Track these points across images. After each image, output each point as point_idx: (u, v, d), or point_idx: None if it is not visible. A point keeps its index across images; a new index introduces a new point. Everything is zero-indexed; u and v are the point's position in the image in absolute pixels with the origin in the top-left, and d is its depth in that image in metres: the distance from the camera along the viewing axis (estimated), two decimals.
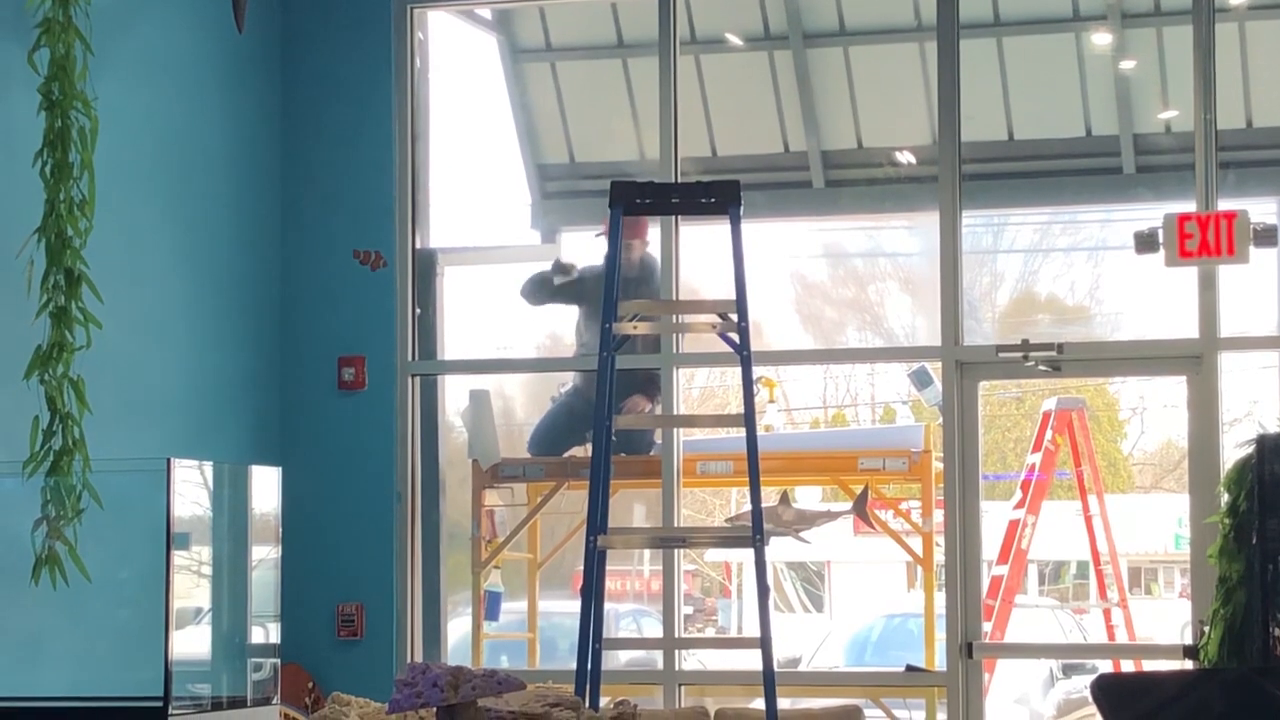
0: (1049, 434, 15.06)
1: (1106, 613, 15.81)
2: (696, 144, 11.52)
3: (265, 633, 9.32)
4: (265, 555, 9.38)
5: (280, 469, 9.56)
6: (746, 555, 15.45)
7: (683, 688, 10.61)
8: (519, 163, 12.26)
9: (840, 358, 19.82)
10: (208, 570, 9.09)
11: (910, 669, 11.05)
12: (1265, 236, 9.83)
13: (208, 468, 9.04)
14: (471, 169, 12.19)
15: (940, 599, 11.05)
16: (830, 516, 12.67)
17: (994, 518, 13.92)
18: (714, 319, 7.99)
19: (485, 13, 12.09)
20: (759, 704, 9.13)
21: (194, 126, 10.23)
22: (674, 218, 10.49)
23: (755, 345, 7.81)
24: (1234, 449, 9.19)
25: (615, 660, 12.15)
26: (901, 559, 15.57)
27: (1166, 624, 18.00)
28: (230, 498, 9.23)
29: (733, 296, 7.77)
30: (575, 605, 8.21)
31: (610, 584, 15.15)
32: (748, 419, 7.68)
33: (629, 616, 18.61)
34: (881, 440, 13.22)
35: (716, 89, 11.74)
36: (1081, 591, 21.59)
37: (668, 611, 10.59)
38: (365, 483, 10.76)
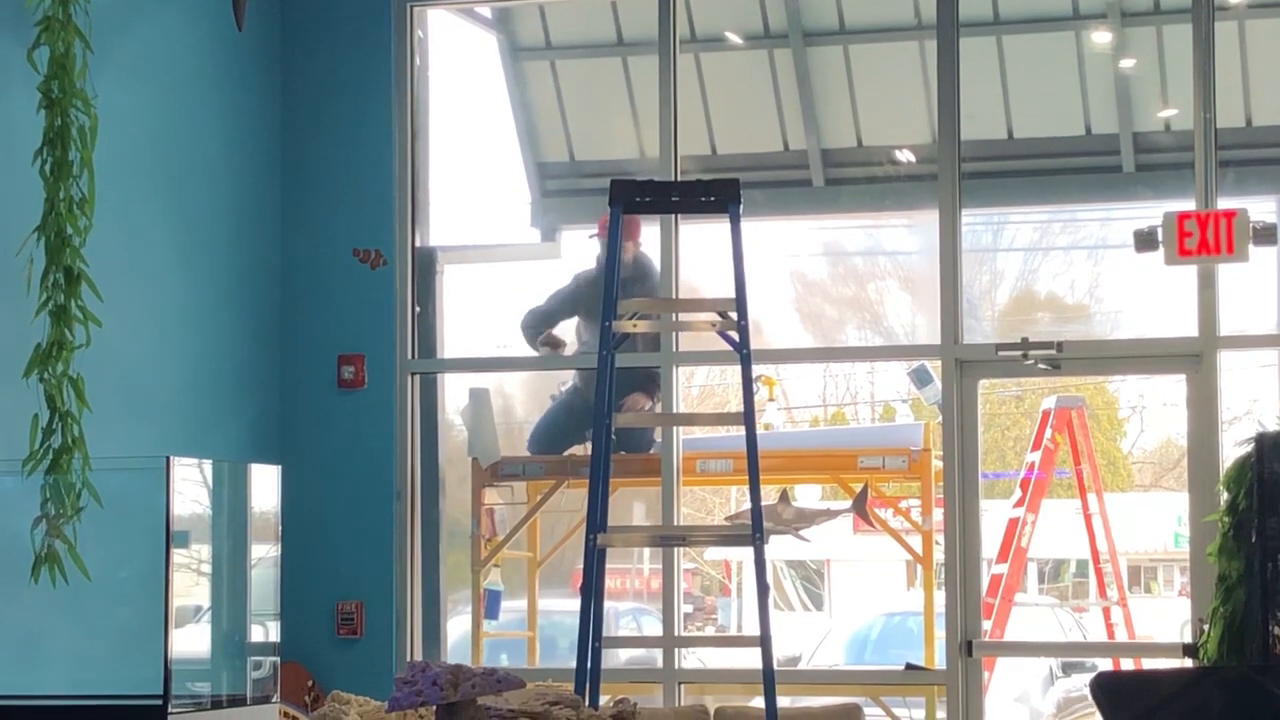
0: (1048, 432, 15.06)
1: (1106, 611, 15.81)
2: (696, 142, 11.52)
3: (265, 631, 9.32)
4: (265, 553, 9.38)
5: (280, 467, 9.56)
6: (746, 553, 15.45)
7: (682, 686, 10.61)
8: (519, 161, 12.26)
9: (840, 356, 19.83)
10: (207, 568, 9.09)
11: (910, 667, 11.05)
12: (1265, 235, 9.84)
13: (207, 466, 9.05)
14: (471, 167, 12.19)
15: (940, 597, 11.05)
16: (830, 515, 12.67)
17: (994, 516, 13.93)
18: (714, 317, 8.00)
19: (485, 11, 12.09)
20: (759, 702, 9.13)
21: (194, 125, 10.23)
22: (674, 216, 10.49)
23: (755, 344, 7.82)
24: (1233, 447, 9.19)
25: (615, 659, 12.15)
26: (901, 557, 15.57)
27: (1166, 622, 17.99)
28: (230, 496, 9.23)
29: (732, 295, 7.77)
30: (575, 603, 8.21)
31: (610, 582, 15.15)
32: (747, 417, 7.68)
33: (629, 615, 18.61)
34: (881, 439, 13.22)
35: (716, 87, 11.74)
36: (1081, 590, 21.60)
37: (667, 610, 10.59)
38: (365, 481, 10.76)
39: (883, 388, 22.72)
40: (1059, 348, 10.25)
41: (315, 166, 10.93)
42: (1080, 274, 15.27)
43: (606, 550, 7.79)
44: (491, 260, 12.53)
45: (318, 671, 10.57)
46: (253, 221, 10.74)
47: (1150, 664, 11.22)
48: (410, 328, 10.92)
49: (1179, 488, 18.52)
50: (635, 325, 8.30)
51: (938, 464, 11.34)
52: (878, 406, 23.05)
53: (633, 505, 13.72)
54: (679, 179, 10.49)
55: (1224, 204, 9.96)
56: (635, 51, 11.70)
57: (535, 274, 12.87)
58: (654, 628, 15.17)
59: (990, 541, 13.33)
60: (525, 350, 12.18)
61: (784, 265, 16.26)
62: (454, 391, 11.44)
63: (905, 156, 11.63)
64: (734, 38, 11.95)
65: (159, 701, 8.19)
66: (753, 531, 7.55)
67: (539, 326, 11.37)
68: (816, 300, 18.87)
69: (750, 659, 8.15)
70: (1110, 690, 6.85)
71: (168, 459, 8.46)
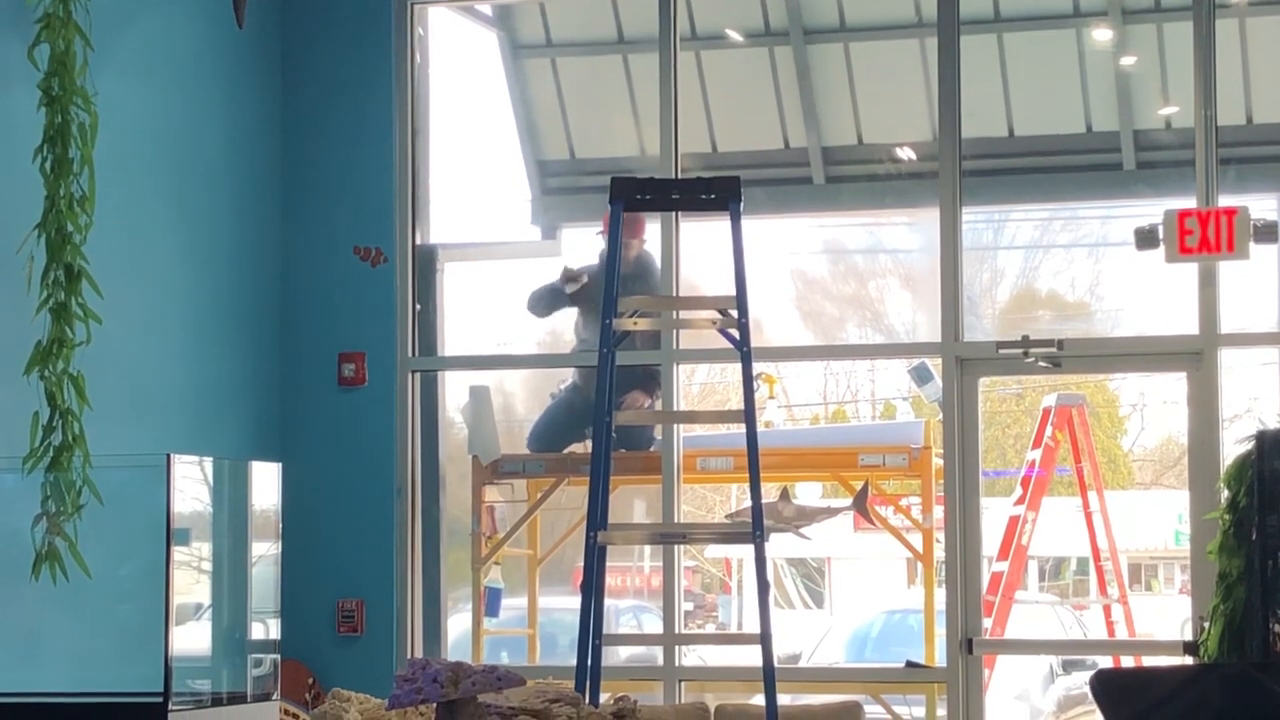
0: (1049, 430, 15.06)
1: (1106, 609, 15.81)
2: (697, 140, 11.52)
3: (265, 629, 9.32)
4: (265, 551, 9.38)
5: (280, 465, 9.56)
6: (747, 551, 15.44)
7: (683, 684, 10.61)
8: (519, 159, 12.26)
9: (840, 354, 19.80)
10: (208, 566, 9.09)
11: (910, 665, 11.05)
12: (1266, 233, 9.83)
13: (208, 463, 9.05)
14: (472, 165, 12.19)
15: (940, 595, 11.05)
16: (830, 512, 12.67)
17: (994, 514, 13.92)
18: (714, 315, 8.00)
19: (485, 9, 12.09)
20: (759, 700, 9.14)
21: (194, 122, 10.23)
22: (674, 214, 10.49)
23: (755, 341, 7.82)
24: (1234, 445, 9.19)
25: (615, 656, 12.14)
26: (902, 555, 15.57)
27: (1166, 620, 17.99)
28: (230, 493, 9.23)
29: (733, 292, 7.77)
30: (575, 601, 8.21)
31: (610, 580, 15.15)
32: (748, 415, 7.69)
33: (629, 612, 18.60)
34: (882, 436, 13.22)
35: (717, 85, 11.74)
36: (1081, 588, 21.59)
37: (668, 607, 10.59)
38: (365, 479, 10.76)
39: (883, 385, 22.72)
40: (1059, 345, 10.25)
41: (316, 164, 10.93)
42: (1081, 272, 15.28)
43: (607, 548, 7.80)
44: (492, 258, 12.53)
45: (318, 669, 10.57)
46: (253, 219, 10.74)
47: (1150, 661, 11.22)
48: (411, 325, 10.92)
49: (1179, 485, 18.51)
50: (636, 323, 8.30)
51: (938, 462, 11.34)
52: (878, 404, 23.05)
53: (633, 503, 13.71)
54: (679, 177, 10.49)
55: (1225, 202, 9.96)
56: (636, 49, 11.70)
57: (536, 272, 12.87)
58: (654, 625, 15.17)
59: (991, 539, 13.33)
60: (525, 348, 12.20)
61: (784, 263, 16.26)
62: (454, 389, 11.44)
63: (906, 154, 11.63)
64: (735, 35, 11.95)
65: (159, 699, 8.19)
66: (753, 529, 7.55)
67: (544, 291, 11.37)
68: (817, 298, 18.87)
69: (751, 657, 8.15)
70: (1110, 688, 6.85)
71: (168, 456, 8.46)
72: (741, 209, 7.92)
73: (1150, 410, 23.93)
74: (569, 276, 11.34)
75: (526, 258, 12.72)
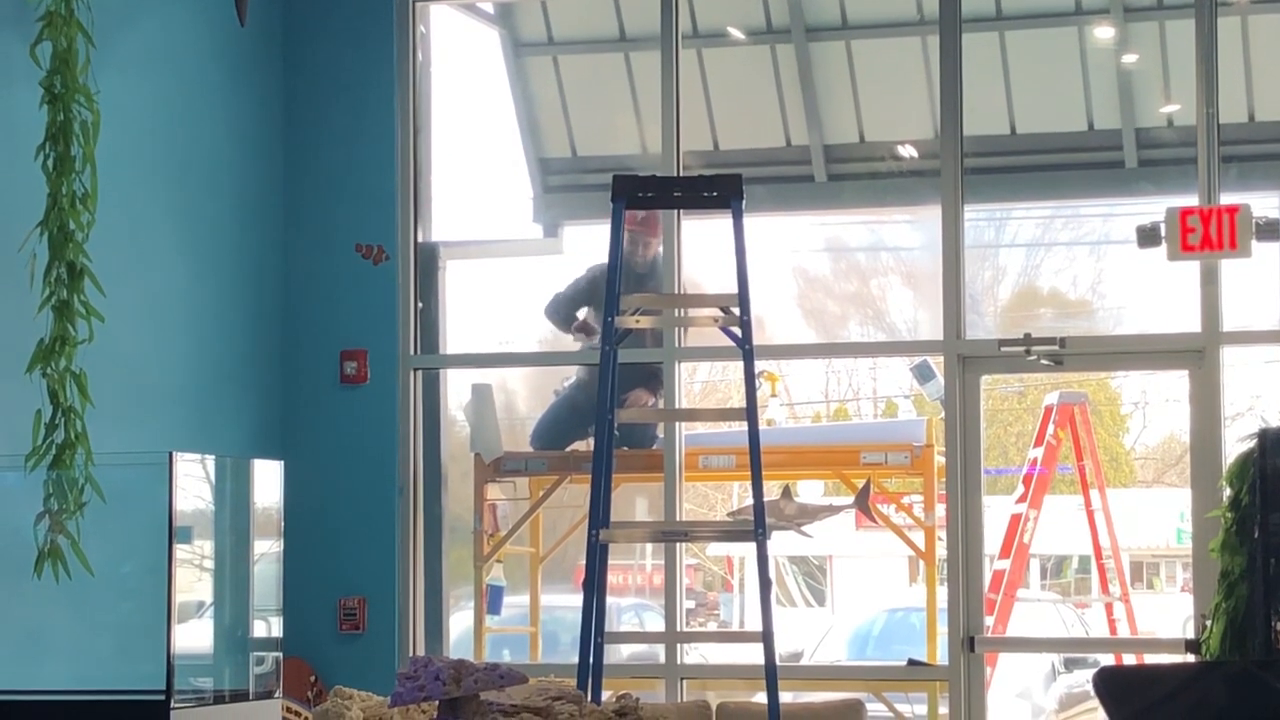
0: (1051, 428, 15.06)
1: (1108, 607, 15.82)
2: (698, 138, 11.51)
3: (267, 626, 9.32)
4: (267, 549, 9.38)
5: (282, 463, 9.57)
6: (748, 549, 15.44)
7: (685, 682, 10.62)
8: (521, 157, 12.26)
9: (842, 352, 19.73)
10: (210, 564, 9.10)
11: (912, 663, 11.06)
12: (1268, 231, 9.83)
13: (210, 461, 9.05)
14: (473, 163, 12.20)
15: (942, 593, 11.05)
16: (832, 511, 12.67)
17: (996, 512, 13.93)
18: (716, 313, 8.00)
19: (487, 6, 12.09)
20: (761, 698, 9.14)
21: (196, 120, 10.23)
22: (676, 212, 10.49)
23: (757, 339, 7.82)
24: (1236, 443, 9.20)
25: (617, 654, 12.15)
26: (903, 553, 15.57)
27: (1168, 618, 17.99)
28: (232, 491, 9.23)
29: (735, 290, 7.77)
30: (577, 599, 8.22)
31: (612, 578, 15.17)
32: (750, 413, 7.68)
33: (631, 610, 18.60)
34: (883, 434, 13.23)
35: (719, 83, 11.74)
36: (1083, 586, 21.58)
37: (670, 605, 10.59)
38: (367, 477, 10.76)
39: (885, 383, 22.72)
40: (1061, 343, 10.25)
41: (317, 162, 10.93)
42: (1083, 270, 15.26)
43: (609, 546, 7.79)
44: (494, 256, 12.53)
45: (320, 667, 10.57)
46: (255, 217, 10.74)
47: (1153, 659, 11.22)
48: (413, 323, 10.92)
49: (1181, 483, 18.49)
50: (638, 321, 8.29)
51: (940, 460, 11.34)
52: (880, 402, 23.04)
53: (635, 501, 13.71)
54: (681, 174, 10.49)
55: (1226, 199, 9.95)
56: (638, 47, 11.70)
57: (537, 269, 12.88)
58: (656, 623, 15.16)
59: (993, 537, 13.33)
60: (527, 346, 12.20)
61: (786, 261, 16.26)
62: (456, 387, 11.44)
63: (908, 152, 11.63)
64: (736, 33, 11.95)
65: (162, 697, 8.20)
66: (755, 527, 7.55)
67: (565, 311, 11.39)
68: (819, 296, 18.86)
69: (753, 654, 8.15)
70: (1113, 685, 6.85)
71: (170, 454, 8.47)
72: (743, 207, 7.92)
73: (1152, 408, 23.91)
74: (581, 329, 11.38)
75: (528, 255, 12.73)
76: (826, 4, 11.95)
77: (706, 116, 11.71)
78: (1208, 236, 9.81)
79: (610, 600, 12.19)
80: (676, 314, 9.68)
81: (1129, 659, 12.02)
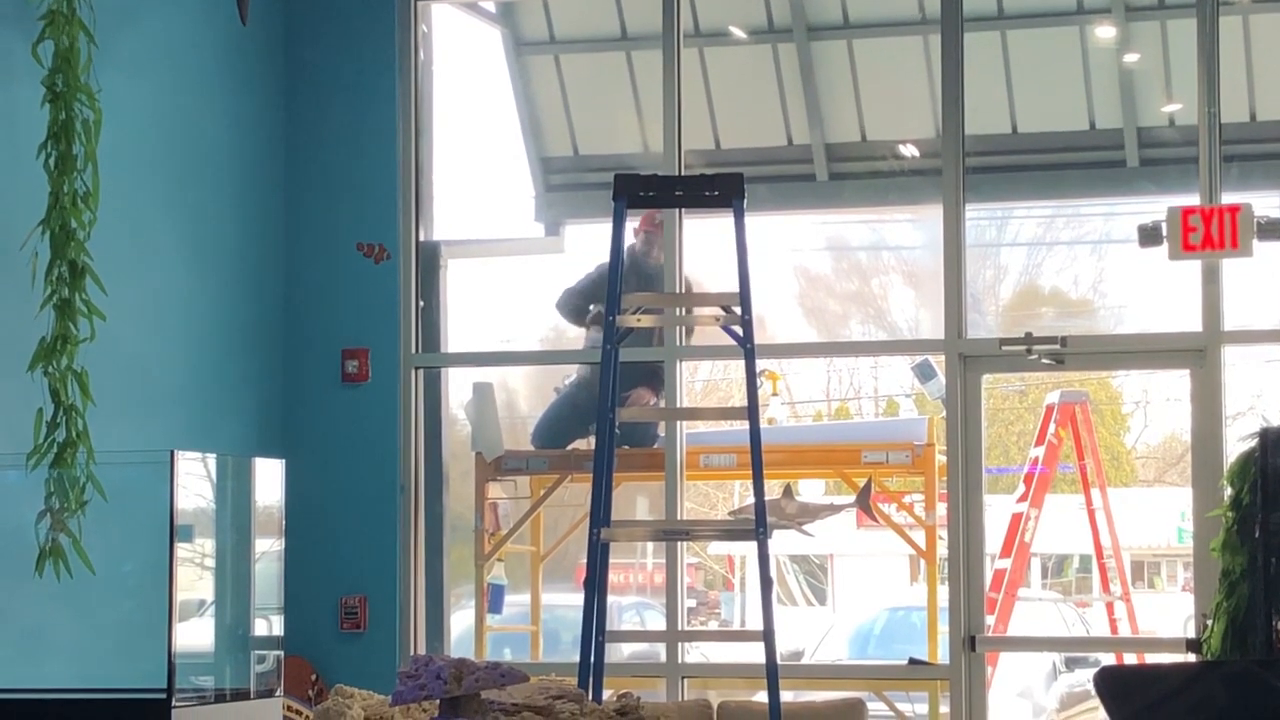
0: (1052, 427, 15.06)
1: (1109, 606, 15.81)
2: (700, 137, 11.52)
3: (268, 625, 9.32)
4: (268, 548, 9.38)
5: (284, 461, 9.56)
6: (749, 548, 15.44)
7: (686, 680, 10.62)
8: (522, 155, 12.26)
9: (843, 351, 19.78)
10: (211, 562, 9.10)
11: (913, 662, 11.06)
12: (1269, 230, 9.83)
13: (211, 460, 9.05)
14: (475, 162, 12.20)
15: (943, 592, 11.05)
16: (833, 509, 12.68)
17: (997, 511, 13.93)
18: (718, 312, 8.00)
19: (489, 5, 12.09)
20: (762, 697, 9.14)
21: (198, 119, 10.24)
22: (677, 211, 10.49)
23: (758, 338, 7.82)
24: (1237, 442, 9.20)
25: (618, 653, 12.15)
26: (904, 552, 15.57)
27: (1169, 618, 17.99)
28: (234, 490, 9.23)
29: (736, 289, 7.77)
30: (578, 598, 8.22)
31: (613, 577, 15.16)
32: (751, 412, 7.68)
33: (632, 609, 18.61)
34: (885, 433, 13.23)
35: (720, 82, 11.74)
36: (1084, 585, 21.59)
37: (671, 604, 10.59)
38: (369, 475, 10.76)
39: (886, 382, 22.72)
40: (1063, 342, 10.25)
41: (319, 161, 10.93)
42: (1084, 269, 15.27)
43: (610, 545, 7.79)
44: (495, 255, 12.54)
45: (321, 666, 10.58)
46: (256, 216, 10.74)
47: (1153, 659, 11.22)
48: (414, 322, 10.92)
49: (1183, 483, 18.50)
50: (639, 320, 8.29)
51: (941, 459, 11.34)
52: (881, 401, 23.05)
53: (636, 500, 13.71)
54: (683, 173, 10.49)
55: (1228, 199, 9.95)
56: (639, 46, 11.70)
57: (539, 269, 12.88)
58: (657, 622, 15.17)
59: (994, 536, 13.33)
60: (528, 345, 12.20)
61: (788, 260, 16.27)
62: (458, 386, 11.44)
63: (909, 151, 11.63)
64: (738, 32, 11.95)
65: (163, 695, 8.19)
66: (756, 526, 7.55)
67: (576, 303, 11.39)
68: (820, 295, 18.87)
69: (754, 654, 8.15)
70: (1114, 684, 6.84)
71: (172, 453, 8.47)
72: (745, 206, 7.92)
73: (1153, 407, 23.92)
74: (596, 320, 11.36)
75: (530, 254, 12.73)
76: (828, 3, 11.95)
77: (708, 115, 11.71)
78: (1209, 236, 9.81)
79: (611, 599, 12.19)
80: (678, 313, 9.68)
81: (1130, 658, 12.03)
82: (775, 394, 15.17)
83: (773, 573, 7.73)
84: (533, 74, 12.34)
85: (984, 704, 10.33)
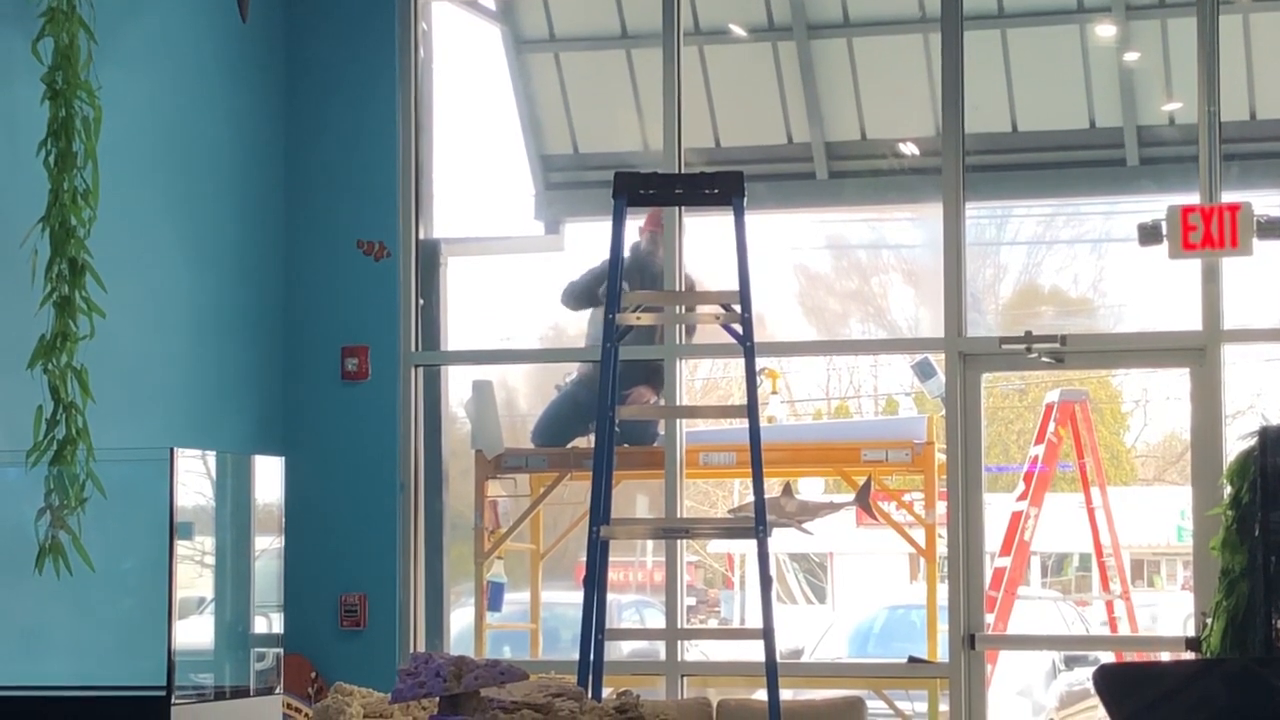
0: (1052, 426, 15.07)
1: (1109, 605, 15.82)
2: (700, 135, 11.51)
3: (268, 623, 9.32)
4: (268, 545, 9.38)
5: (283, 459, 9.56)
6: (749, 546, 15.45)
7: (685, 678, 10.62)
8: (522, 153, 12.25)
9: (843, 349, 19.82)
10: (211, 560, 9.10)
11: (913, 660, 11.05)
12: (1269, 229, 9.83)
13: (211, 457, 9.05)
14: (475, 159, 12.20)
15: (943, 591, 11.05)
16: (833, 508, 12.68)
17: (997, 510, 13.93)
18: (717, 310, 7.99)
19: (489, 3, 12.09)
20: (761, 695, 9.15)
21: (198, 116, 10.23)
22: (677, 209, 10.49)
23: (758, 336, 7.81)
24: (1237, 441, 9.20)
25: (618, 651, 12.16)
26: (904, 550, 15.58)
27: (1169, 616, 18.00)
28: (233, 487, 9.23)
29: (736, 288, 7.77)
30: (578, 596, 8.21)
31: (613, 575, 15.17)
32: (751, 410, 7.68)
33: (632, 607, 18.63)
34: (884, 432, 13.23)
35: (720, 80, 11.74)
36: (1084, 584, 21.60)
37: (670, 602, 10.59)
38: (368, 473, 10.77)
39: (886, 381, 22.73)
40: (1063, 341, 10.25)
41: (319, 158, 10.93)
42: (1084, 267, 15.28)
43: (609, 542, 7.79)
44: (495, 253, 12.54)
45: (321, 663, 10.58)
46: (256, 213, 10.74)
47: (1153, 657, 11.22)
48: (414, 320, 10.92)
49: (1182, 481, 18.51)
50: (639, 318, 8.29)
51: (941, 457, 11.34)
52: (881, 400, 23.06)
53: (636, 498, 13.72)
54: (683, 171, 10.49)
55: (1228, 197, 9.95)
56: (639, 44, 11.69)
57: (539, 267, 12.88)
58: (657, 620, 15.18)
59: (993, 535, 13.33)
60: (528, 343, 12.20)
61: (787, 258, 16.28)
62: (457, 384, 11.44)
63: (909, 149, 11.63)
64: (738, 30, 11.95)
65: (162, 693, 8.19)
66: (755, 524, 7.54)
67: (583, 295, 11.39)
68: (820, 293, 18.88)
69: (753, 652, 8.14)
70: (1113, 682, 6.85)
71: (171, 450, 8.46)
72: (745, 204, 7.91)
73: (1153, 406, 23.93)
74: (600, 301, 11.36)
75: (530, 252, 12.73)
76: (828, 1, 11.94)
77: (708, 113, 11.70)
78: (1209, 234, 9.81)
79: (611, 597, 12.19)
80: (678, 311, 9.68)
81: (1129, 657, 12.03)
82: (775, 392, 15.17)
83: (772, 571, 7.73)
84: (533, 72, 12.34)
85: (983, 702, 10.33)
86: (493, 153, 12.48)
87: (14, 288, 8.61)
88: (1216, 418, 10.00)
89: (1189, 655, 9.62)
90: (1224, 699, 6.85)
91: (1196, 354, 10.05)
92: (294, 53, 10.97)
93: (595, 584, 7.67)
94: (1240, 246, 9.78)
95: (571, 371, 11.64)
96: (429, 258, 11.11)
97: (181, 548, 8.52)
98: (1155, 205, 10.15)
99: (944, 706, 10.55)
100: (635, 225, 11.20)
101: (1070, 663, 16.30)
